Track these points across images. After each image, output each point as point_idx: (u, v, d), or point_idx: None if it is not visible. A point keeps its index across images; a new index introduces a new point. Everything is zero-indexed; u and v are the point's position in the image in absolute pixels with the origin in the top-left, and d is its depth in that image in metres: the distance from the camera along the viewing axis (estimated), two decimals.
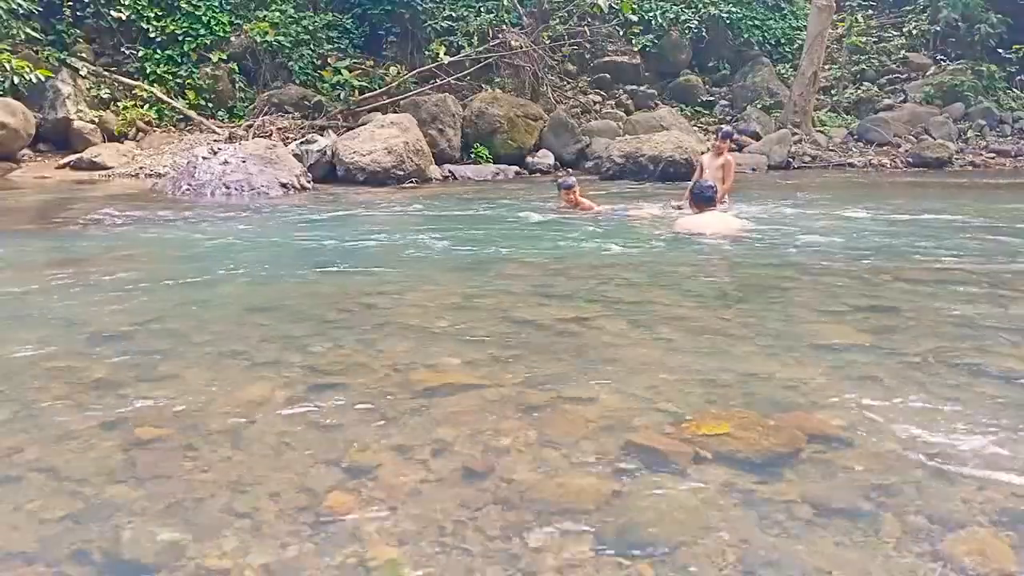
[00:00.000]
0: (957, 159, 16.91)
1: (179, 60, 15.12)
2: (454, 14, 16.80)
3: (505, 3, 16.70)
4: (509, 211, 8.97)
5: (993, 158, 17.26)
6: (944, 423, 2.46)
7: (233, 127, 14.42)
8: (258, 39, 15.16)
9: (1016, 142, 17.95)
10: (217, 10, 15.47)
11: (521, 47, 16.28)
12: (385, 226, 7.48)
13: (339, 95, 15.38)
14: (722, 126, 10.44)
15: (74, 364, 3.04)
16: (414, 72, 15.98)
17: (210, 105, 15.10)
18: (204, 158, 10.75)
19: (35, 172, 12.39)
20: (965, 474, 2.11)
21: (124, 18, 14.70)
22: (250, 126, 14.25)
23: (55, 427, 2.45)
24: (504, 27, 16.72)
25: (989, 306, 4.05)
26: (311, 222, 8.00)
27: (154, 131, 14.40)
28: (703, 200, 6.82)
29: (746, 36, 19.95)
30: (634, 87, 18.36)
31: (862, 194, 11.58)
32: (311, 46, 15.91)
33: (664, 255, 5.88)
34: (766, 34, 20.39)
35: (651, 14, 18.87)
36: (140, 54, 14.89)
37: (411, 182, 12.36)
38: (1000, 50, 19.44)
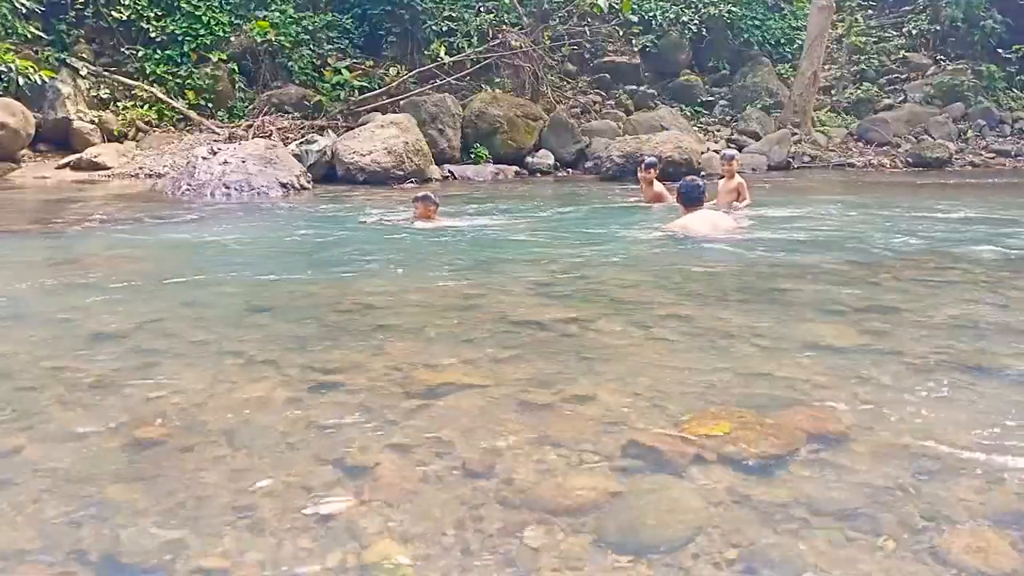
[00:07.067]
0: (957, 159, 16.91)
1: (179, 60, 15.11)
2: (454, 14, 16.80)
3: (505, 3, 16.70)
4: (507, 212, 8.97)
5: (993, 158, 17.26)
6: (944, 423, 2.45)
7: (233, 127, 14.42)
8: (258, 39, 15.16)
9: (1016, 142, 17.94)
10: (217, 10, 15.46)
11: (521, 47, 16.28)
12: (384, 226, 7.48)
13: (339, 95, 15.38)
14: (646, 157, 10.49)
15: (74, 364, 3.04)
16: (414, 72, 15.98)
17: (210, 105, 15.10)
18: (204, 158, 10.75)
19: (35, 172, 12.39)
20: (965, 473, 2.11)
21: (124, 18, 14.70)
22: (250, 126, 14.24)
23: (55, 427, 2.45)
24: (504, 27, 16.72)
25: (989, 305, 4.05)
26: (311, 222, 8.00)
27: (154, 131, 14.40)
28: (691, 200, 6.54)
29: (746, 36, 19.94)
30: (634, 87, 18.35)
31: (861, 194, 11.58)
32: (311, 46, 15.91)
33: (663, 255, 5.87)
34: (766, 34, 20.38)
35: (651, 14, 18.86)
36: (140, 54, 14.88)
37: (411, 182, 12.37)
38: (1000, 50, 19.45)
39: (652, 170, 9.39)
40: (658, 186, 9.34)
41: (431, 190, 8.02)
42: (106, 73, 14.44)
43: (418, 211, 7.25)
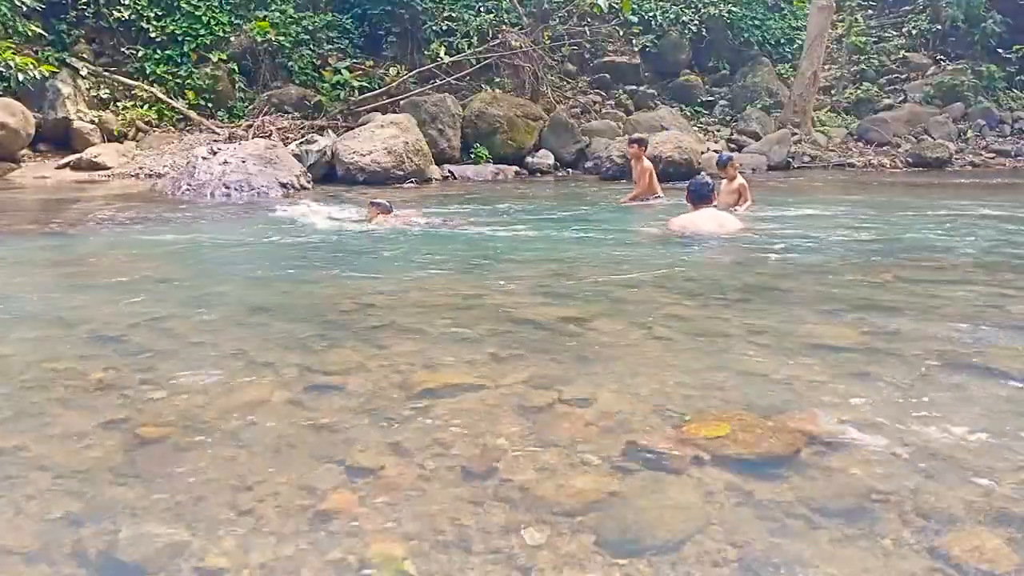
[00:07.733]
0: (957, 159, 16.92)
1: (179, 60, 15.12)
2: (454, 14, 16.80)
3: (505, 3, 16.71)
4: (507, 212, 8.97)
5: (993, 158, 17.27)
6: (944, 423, 2.45)
7: (233, 127, 14.42)
8: (258, 39, 15.16)
9: (1016, 142, 17.95)
10: (217, 10, 15.47)
11: (521, 47, 16.29)
12: (384, 226, 7.47)
13: (339, 95, 15.38)
14: (634, 134, 11.23)
15: (74, 364, 3.04)
16: (414, 72, 15.99)
17: (210, 105, 15.10)
18: (204, 158, 10.75)
19: (35, 172, 12.39)
20: (965, 474, 2.11)
21: (124, 18, 14.70)
22: (250, 126, 14.25)
23: (55, 427, 2.45)
24: (504, 27, 16.72)
25: (989, 305, 4.05)
26: (310, 222, 7.99)
27: (154, 131, 14.40)
28: (700, 197, 6.44)
29: (746, 36, 19.95)
30: (634, 87, 18.36)
31: (861, 194, 11.58)
32: (311, 46, 15.92)
33: (665, 254, 5.87)
34: (766, 34, 20.39)
35: (651, 14, 18.87)
36: (140, 54, 14.89)
37: (411, 182, 12.37)
38: (1000, 50, 19.45)
39: (637, 146, 9.41)
40: (647, 163, 9.36)
41: (386, 197, 8.40)
42: (106, 73, 14.44)
43: (370, 215, 7.65)
